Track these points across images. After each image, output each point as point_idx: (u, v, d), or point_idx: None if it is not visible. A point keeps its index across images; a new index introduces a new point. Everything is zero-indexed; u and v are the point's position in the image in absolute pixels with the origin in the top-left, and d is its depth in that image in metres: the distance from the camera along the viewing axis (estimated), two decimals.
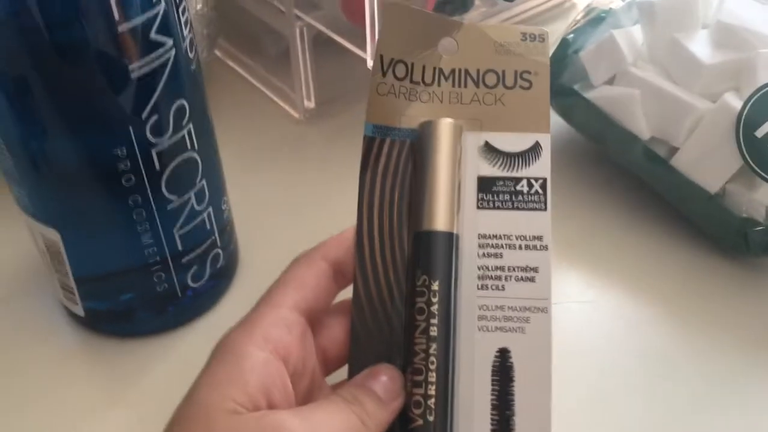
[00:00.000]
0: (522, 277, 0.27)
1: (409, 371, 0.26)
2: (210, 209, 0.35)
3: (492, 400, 0.26)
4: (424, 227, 0.27)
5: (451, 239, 0.27)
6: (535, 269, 0.27)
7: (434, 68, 0.28)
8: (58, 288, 0.36)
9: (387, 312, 0.27)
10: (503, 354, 0.27)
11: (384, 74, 0.28)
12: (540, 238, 0.27)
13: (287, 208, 0.44)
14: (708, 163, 0.38)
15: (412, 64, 0.28)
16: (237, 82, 0.55)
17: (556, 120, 0.46)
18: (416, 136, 0.28)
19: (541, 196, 0.28)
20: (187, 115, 0.31)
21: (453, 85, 0.28)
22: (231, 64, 0.56)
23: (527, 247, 0.27)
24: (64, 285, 0.35)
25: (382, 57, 0.28)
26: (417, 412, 0.26)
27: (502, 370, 0.27)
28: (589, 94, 0.42)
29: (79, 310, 0.36)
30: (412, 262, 0.27)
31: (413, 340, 0.26)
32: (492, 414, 0.26)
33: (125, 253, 0.33)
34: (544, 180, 0.28)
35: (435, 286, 0.26)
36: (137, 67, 0.28)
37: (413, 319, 0.26)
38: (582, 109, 0.42)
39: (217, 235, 0.36)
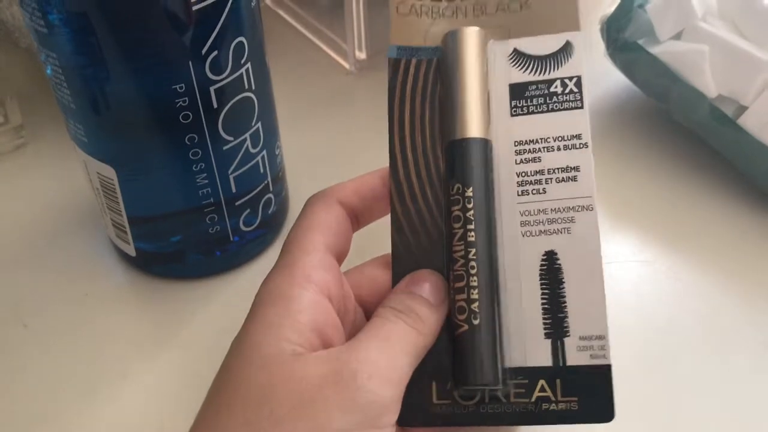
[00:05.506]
0: (563, 177, 0.26)
1: (451, 279, 0.26)
2: (264, 153, 0.34)
3: (543, 304, 0.26)
4: (455, 136, 0.26)
5: (483, 145, 0.26)
6: (576, 168, 0.26)
7: None
8: (111, 227, 0.35)
9: (427, 230, 0.27)
10: (550, 256, 0.26)
11: None
12: (579, 136, 0.26)
13: (338, 159, 0.44)
14: None
15: None
16: (288, 33, 0.54)
17: (617, 77, 0.45)
18: (442, 53, 0.27)
19: (577, 94, 0.26)
20: (246, 53, 0.31)
21: None
22: (282, 14, 0.55)
23: (566, 147, 0.26)
24: (116, 224, 0.35)
25: None
26: (461, 317, 0.25)
27: (551, 272, 0.26)
28: (655, 50, 0.40)
29: (131, 250, 0.36)
30: (446, 174, 0.27)
31: (452, 248, 0.26)
32: (544, 318, 0.26)
33: (180, 192, 0.33)
34: (579, 77, 0.27)
35: (469, 192, 0.26)
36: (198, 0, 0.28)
37: (451, 228, 0.26)
38: (646, 64, 0.40)
39: (270, 179, 0.36)
